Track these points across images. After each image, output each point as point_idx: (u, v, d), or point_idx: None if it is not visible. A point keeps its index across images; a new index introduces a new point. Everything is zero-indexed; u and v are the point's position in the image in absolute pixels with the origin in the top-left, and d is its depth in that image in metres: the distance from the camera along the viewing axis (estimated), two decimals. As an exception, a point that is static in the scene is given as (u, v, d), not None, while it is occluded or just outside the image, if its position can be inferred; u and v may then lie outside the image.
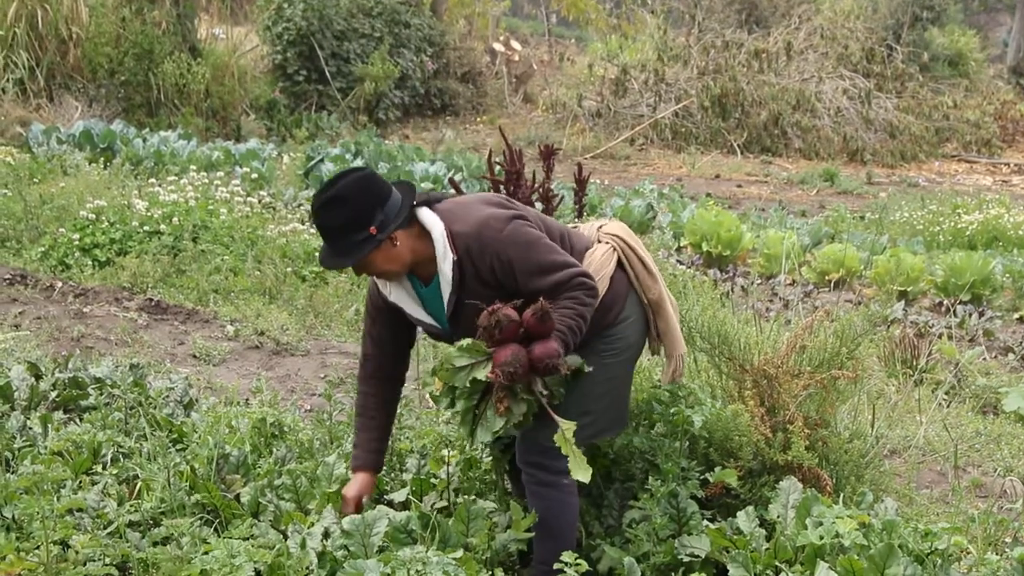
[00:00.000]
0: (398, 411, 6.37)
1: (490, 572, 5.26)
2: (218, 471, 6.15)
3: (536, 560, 5.53)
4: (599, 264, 5.45)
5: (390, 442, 6.12)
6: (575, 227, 5.80)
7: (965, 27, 45.18)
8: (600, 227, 5.72)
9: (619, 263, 5.54)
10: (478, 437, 5.25)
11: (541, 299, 5.04)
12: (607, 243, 5.57)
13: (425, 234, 5.27)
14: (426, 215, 5.28)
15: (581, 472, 5.06)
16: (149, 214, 14.53)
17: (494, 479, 6.21)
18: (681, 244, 19.06)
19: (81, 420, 7.24)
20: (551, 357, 5.03)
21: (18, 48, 26.42)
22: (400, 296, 5.44)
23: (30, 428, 6.90)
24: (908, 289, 16.36)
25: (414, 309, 5.44)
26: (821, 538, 5.19)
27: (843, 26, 38.63)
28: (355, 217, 5.12)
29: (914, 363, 10.81)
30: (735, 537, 5.47)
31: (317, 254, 5.65)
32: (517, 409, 5.19)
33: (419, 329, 5.63)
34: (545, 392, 5.23)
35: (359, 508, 5.61)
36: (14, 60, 26.32)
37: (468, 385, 5.20)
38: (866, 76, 36.90)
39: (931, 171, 33.96)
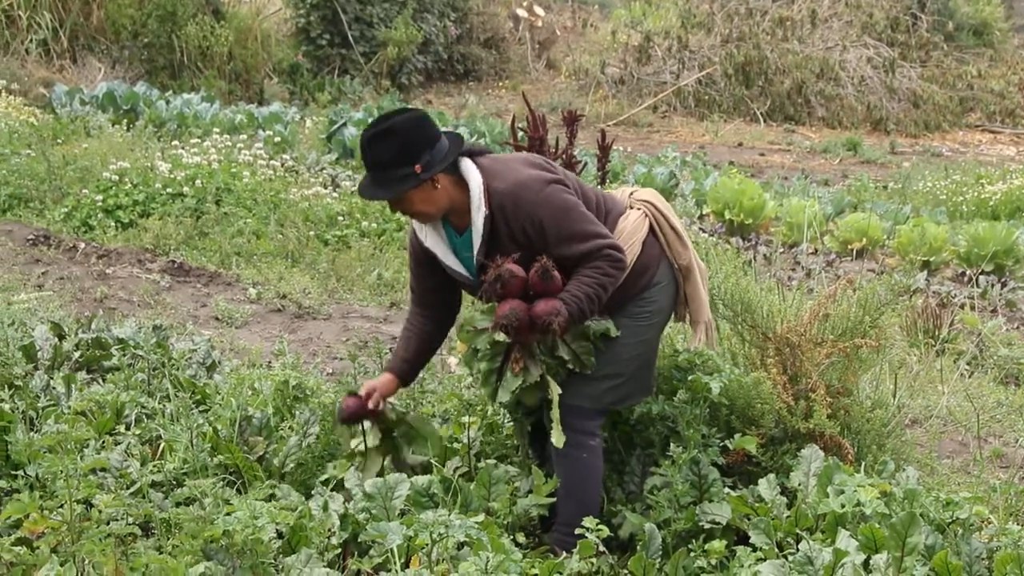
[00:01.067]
0: (421, 376, 6.42)
1: (511, 536, 5.27)
2: (241, 433, 6.17)
3: (558, 522, 5.56)
4: (632, 229, 5.48)
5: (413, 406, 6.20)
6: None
7: (991, -4, 44.96)
8: (632, 193, 5.74)
9: (651, 229, 5.56)
10: (498, 397, 5.38)
11: (544, 257, 5.13)
12: (639, 209, 5.60)
13: (463, 184, 5.34)
14: (467, 166, 5.35)
15: (558, 437, 5.28)
16: (172, 176, 14.55)
17: (516, 444, 6.22)
18: (703, 212, 19.02)
19: (104, 380, 7.27)
20: (550, 315, 5.10)
21: (41, 9, 26.40)
22: (435, 242, 5.49)
23: (53, 388, 6.93)
24: (931, 259, 16.32)
25: (447, 256, 5.49)
26: (842, 506, 5.19)
27: (868, -6, 38.45)
28: (403, 152, 5.21)
29: (936, 333, 10.79)
30: (756, 504, 5.48)
31: (357, 186, 5.68)
32: (535, 370, 5.27)
33: None
34: (568, 357, 5.26)
35: (368, 400, 5.80)
36: (37, 21, 26.30)
37: (489, 346, 5.24)
38: (890, 45, 36.69)
39: (955, 141, 33.80)
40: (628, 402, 5.73)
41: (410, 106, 5.80)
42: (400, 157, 5.21)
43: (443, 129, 5.42)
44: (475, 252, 5.35)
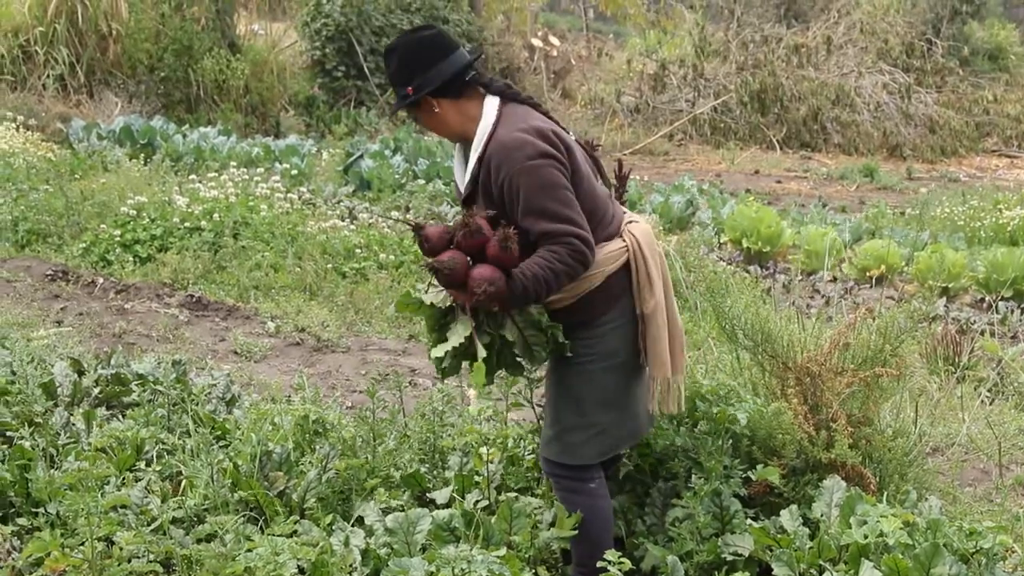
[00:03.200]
0: (442, 409, 6.45)
1: (533, 570, 5.26)
2: (261, 468, 6.16)
3: (575, 561, 5.53)
4: (601, 260, 5.28)
5: (433, 439, 6.22)
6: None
7: (1005, 20, 44.92)
8: (629, 221, 5.56)
9: (625, 265, 5.41)
10: (432, 352, 5.29)
11: (510, 227, 5.04)
12: (623, 241, 5.41)
13: (479, 117, 5.33)
14: (489, 104, 5.35)
15: (477, 379, 5.14)
16: (190, 210, 14.58)
17: (536, 476, 6.21)
18: (721, 240, 19.02)
19: (124, 416, 7.26)
20: (483, 281, 5.03)
21: (58, 44, 26.51)
22: (456, 158, 5.58)
23: (73, 424, 6.93)
24: (949, 285, 16.29)
25: (458, 173, 5.53)
26: (865, 537, 5.17)
27: (882, 20, 38.44)
28: (398, 72, 5.36)
29: (956, 360, 10.75)
30: (779, 536, 5.46)
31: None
32: (461, 329, 5.21)
33: None
34: (513, 339, 5.29)
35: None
36: (54, 56, 26.42)
37: (434, 304, 5.34)
38: (906, 71, 36.73)
39: (972, 166, 33.79)
40: (618, 450, 5.65)
41: (432, 25, 5.74)
42: (397, 76, 5.37)
43: (468, 53, 5.45)
44: (465, 181, 5.38)
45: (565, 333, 5.31)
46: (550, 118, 5.40)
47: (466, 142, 5.39)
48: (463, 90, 5.36)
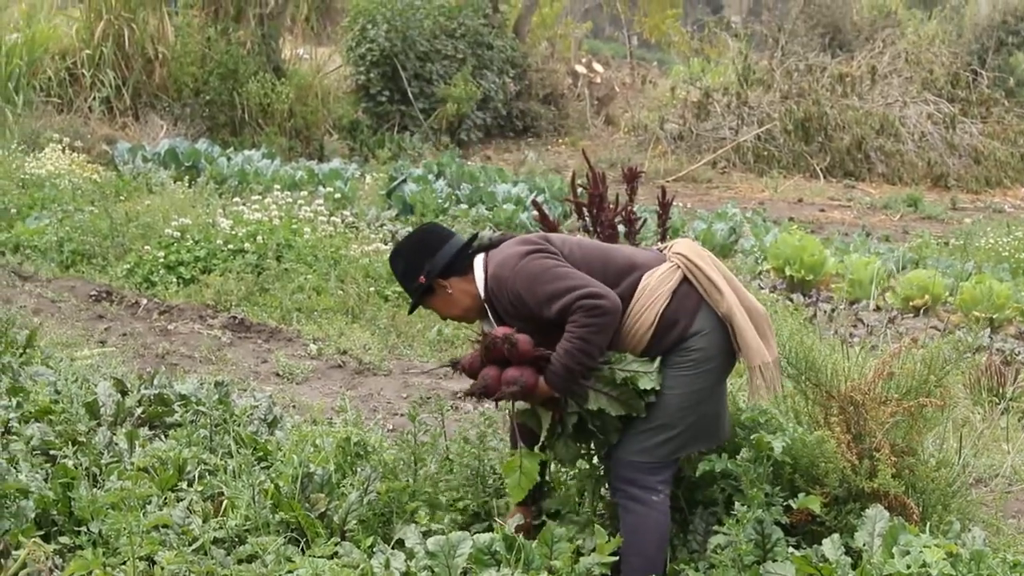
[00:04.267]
0: (484, 431, 6.52)
1: (574, 596, 5.24)
2: (302, 490, 6.17)
3: (623, 576, 5.56)
4: (655, 284, 5.58)
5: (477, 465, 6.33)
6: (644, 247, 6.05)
7: (1051, 52, 44.70)
8: (668, 247, 5.83)
9: (685, 279, 5.62)
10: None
11: (502, 329, 5.60)
12: (671, 262, 5.67)
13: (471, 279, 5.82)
14: (477, 262, 5.80)
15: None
16: (233, 232, 14.62)
17: (579, 500, 6.20)
18: (764, 268, 18.96)
19: (166, 436, 7.30)
20: (509, 381, 5.53)
21: (105, 67, 26.66)
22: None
23: (116, 444, 6.96)
24: (994, 316, 16.18)
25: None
26: (908, 567, 5.15)
27: (928, 50, 38.29)
28: (408, 270, 5.88)
29: (1000, 391, 10.68)
30: (821, 565, 5.43)
31: None
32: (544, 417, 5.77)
33: None
34: (605, 406, 5.56)
35: None
36: (101, 79, 26.56)
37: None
38: (951, 101, 36.53)
39: (1016, 197, 33.58)
40: (688, 451, 5.76)
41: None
42: (408, 274, 5.88)
43: (461, 235, 5.97)
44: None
45: (665, 357, 5.57)
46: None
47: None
48: (468, 268, 5.79)
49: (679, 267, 5.62)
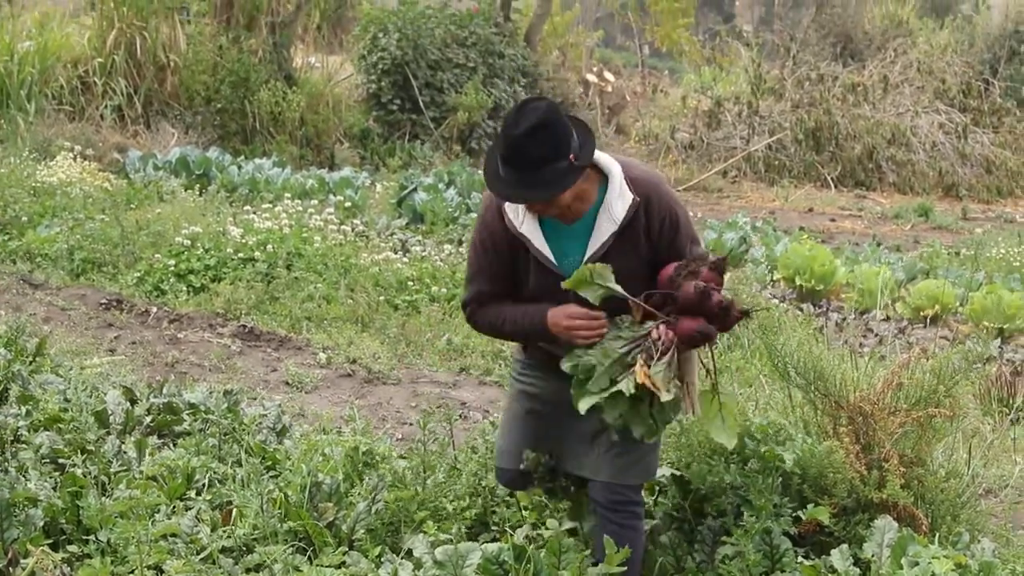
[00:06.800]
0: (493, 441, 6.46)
1: (581, 606, 5.24)
2: (311, 499, 6.17)
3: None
4: None
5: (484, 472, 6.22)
6: None
7: (1063, 62, 44.65)
8: None
9: None
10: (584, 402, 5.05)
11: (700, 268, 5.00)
12: None
13: (592, 174, 5.18)
14: (601, 155, 5.17)
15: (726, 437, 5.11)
16: (243, 241, 14.64)
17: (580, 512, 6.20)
18: (774, 278, 18.94)
19: (175, 445, 7.30)
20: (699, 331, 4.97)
21: (116, 75, 26.66)
22: (531, 228, 5.21)
23: (125, 452, 6.96)
24: (1005, 326, 16.15)
25: (542, 245, 5.22)
26: (917, 578, 5.14)
27: (939, 60, 38.24)
28: (559, 144, 4.92)
29: (1011, 401, 10.67)
30: (829, 575, 5.42)
31: (489, 191, 5.26)
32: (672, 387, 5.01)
33: None
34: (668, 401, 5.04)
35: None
36: (112, 87, 26.58)
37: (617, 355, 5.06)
38: (962, 111, 36.48)
39: (1028, 207, 33.58)
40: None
41: (539, 96, 5.37)
42: (556, 151, 4.90)
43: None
44: (599, 241, 5.17)
45: None
46: None
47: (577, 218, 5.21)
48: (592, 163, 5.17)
49: None
